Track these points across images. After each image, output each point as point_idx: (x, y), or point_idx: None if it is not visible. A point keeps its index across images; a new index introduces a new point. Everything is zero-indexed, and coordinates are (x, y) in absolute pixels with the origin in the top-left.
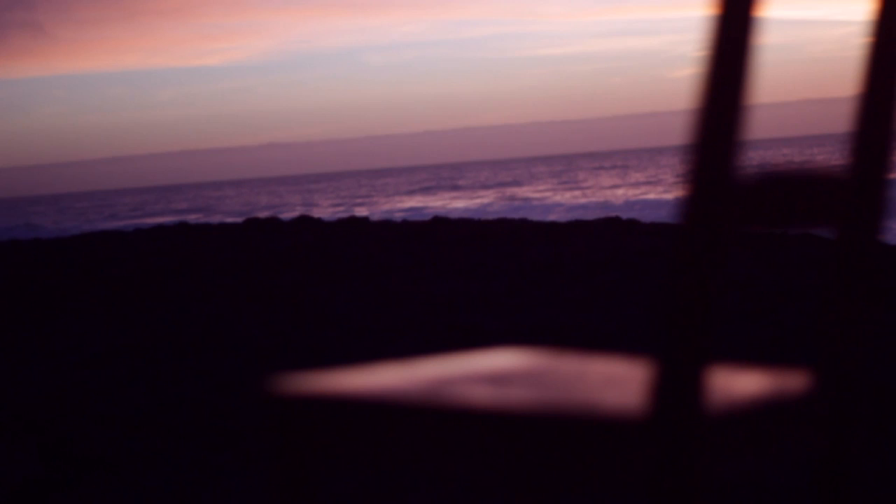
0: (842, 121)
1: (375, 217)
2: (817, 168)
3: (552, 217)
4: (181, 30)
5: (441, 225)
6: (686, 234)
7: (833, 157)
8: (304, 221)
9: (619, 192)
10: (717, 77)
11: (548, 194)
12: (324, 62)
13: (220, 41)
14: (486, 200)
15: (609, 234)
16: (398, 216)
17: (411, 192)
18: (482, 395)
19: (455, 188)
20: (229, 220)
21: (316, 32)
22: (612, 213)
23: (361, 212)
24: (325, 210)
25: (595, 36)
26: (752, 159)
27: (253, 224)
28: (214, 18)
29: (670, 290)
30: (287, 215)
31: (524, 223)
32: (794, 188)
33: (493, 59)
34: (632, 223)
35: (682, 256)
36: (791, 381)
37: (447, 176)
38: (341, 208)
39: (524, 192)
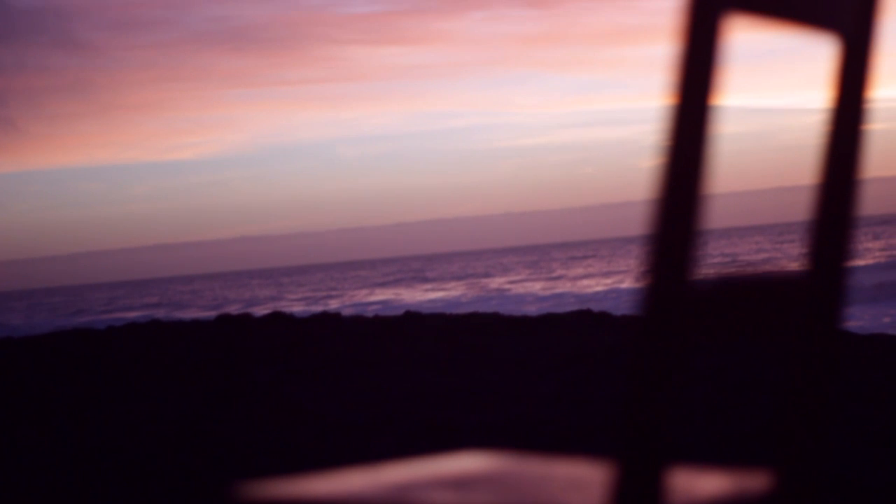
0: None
1: (347, 311)
2: (774, 268)
3: (524, 308)
4: (154, 124)
5: (412, 320)
6: (644, 332)
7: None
8: (276, 317)
9: (593, 282)
10: (674, 168)
11: (520, 285)
12: (296, 155)
13: (193, 135)
14: (458, 292)
15: (580, 328)
16: (370, 310)
17: (384, 285)
18: (446, 501)
19: (427, 280)
20: (201, 316)
21: (289, 126)
22: (585, 305)
23: (334, 305)
24: (298, 304)
25: (567, 126)
26: (719, 253)
27: (225, 320)
28: (187, 112)
29: (628, 390)
30: (259, 310)
31: (495, 317)
32: (750, 293)
33: (466, 151)
34: (603, 315)
35: (640, 355)
36: (752, 482)
37: (419, 268)
38: (314, 302)
39: (496, 283)
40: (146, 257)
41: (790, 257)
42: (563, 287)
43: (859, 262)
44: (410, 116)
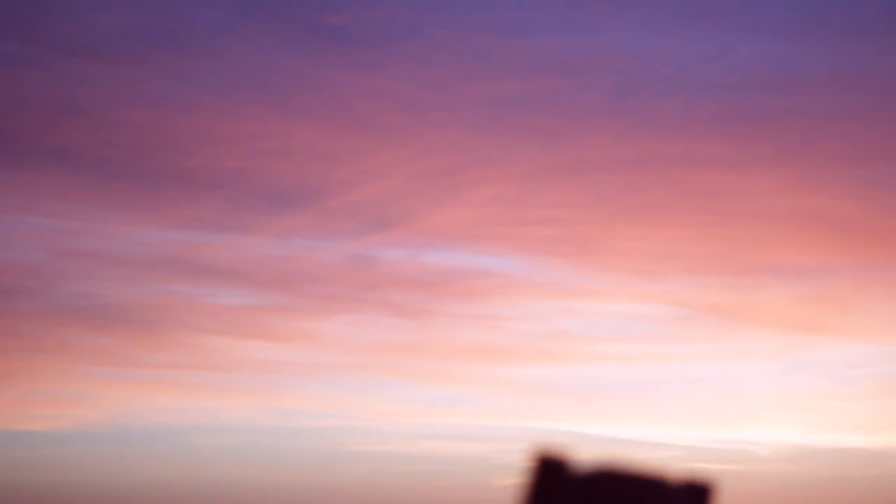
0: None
1: None
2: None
3: None
4: (10, 392)
5: None
6: None
7: None
8: None
9: None
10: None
11: None
12: (151, 438)
13: (48, 408)
14: None
15: None
16: None
17: None
18: None
19: None
20: None
21: (145, 408)
22: None
23: None
24: None
25: (424, 437)
26: None
27: None
28: (44, 384)
29: None
30: None
31: None
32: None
33: (319, 451)
34: None
35: None
36: None
37: None
38: None
39: None
40: None
41: None
42: None
43: None
44: (267, 411)
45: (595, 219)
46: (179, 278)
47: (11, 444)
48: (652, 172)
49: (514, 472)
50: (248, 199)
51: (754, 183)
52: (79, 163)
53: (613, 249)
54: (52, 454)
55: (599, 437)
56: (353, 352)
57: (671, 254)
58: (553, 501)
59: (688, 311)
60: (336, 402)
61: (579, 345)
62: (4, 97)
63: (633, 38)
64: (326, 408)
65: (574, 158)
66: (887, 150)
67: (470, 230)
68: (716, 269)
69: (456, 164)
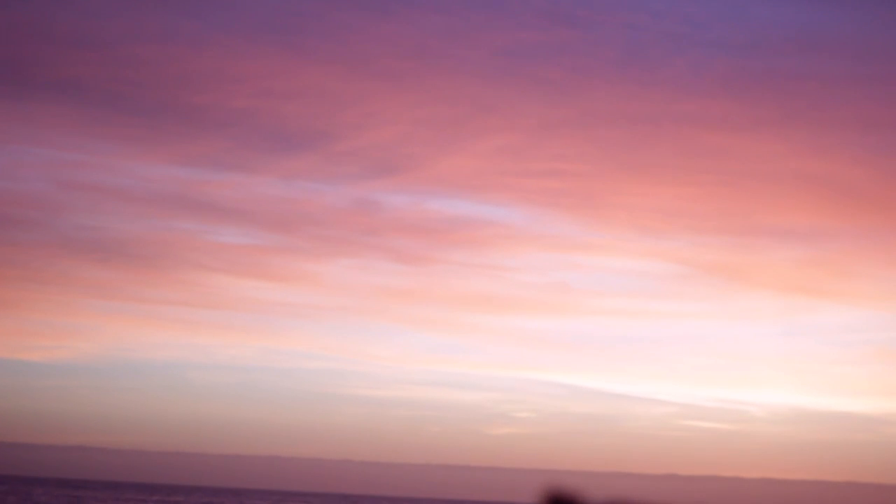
0: (646, 496)
1: None
2: None
3: None
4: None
5: None
6: None
7: None
8: None
9: None
10: None
11: None
12: (147, 373)
13: (46, 338)
14: None
15: None
16: None
17: None
18: None
19: None
20: None
21: (143, 343)
22: None
23: None
24: None
25: (418, 383)
26: None
27: None
28: (43, 315)
29: None
30: None
31: None
32: None
33: (315, 393)
34: None
35: None
36: None
37: (235, 502)
38: None
39: None
40: None
41: None
42: None
43: None
44: (264, 351)
45: (600, 174)
46: (182, 215)
47: (8, 373)
48: (659, 130)
49: (508, 421)
50: (254, 139)
51: (760, 145)
52: (86, 96)
53: (617, 205)
54: (48, 384)
55: (596, 390)
56: (352, 296)
57: (674, 212)
58: None
59: (689, 269)
60: (333, 346)
61: (579, 298)
62: (13, 29)
63: None
64: (324, 350)
65: (582, 112)
66: (894, 117)
67: (474, 179)
68: (718, 229)
69: (463, 113)
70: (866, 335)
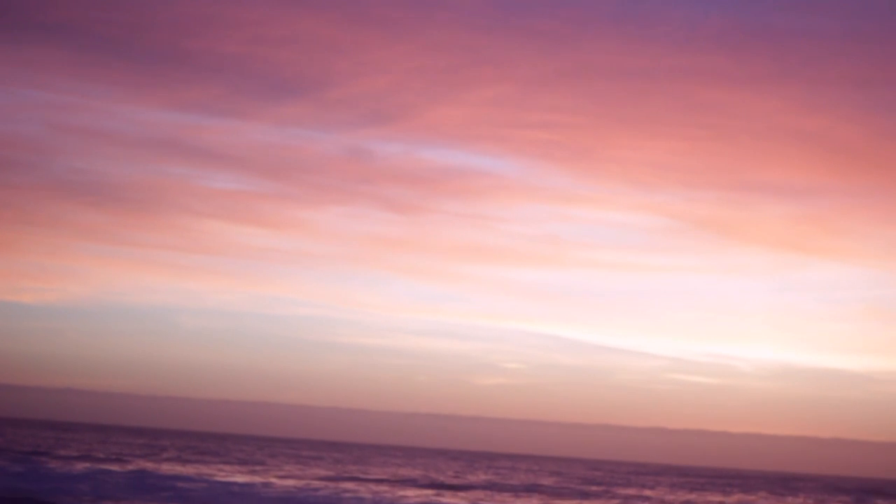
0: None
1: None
2: None
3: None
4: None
5: None
6: None
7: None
8: None
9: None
10: None
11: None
12: (136, 317)
13: (37, 280)
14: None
15: None
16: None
17: (187, 460)
18: None
19: (229, 461)
20: None
21: (134, 286)
22: None
23: (112, 467)
24: (83, 462)
25: (407, 332)
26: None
27: None
28: (34, 257)
29: None
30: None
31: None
32: None
33: (304, 340)
34: None
35: None
36: None
37: (220, 447)
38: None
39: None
40: None
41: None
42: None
43: None
44: (255, 297)
45: (594, 126)
46: (174, 160)
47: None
48: (653, 84)
49: (496, 372)
50: (248, 85)
51: (755, 101)
52: (80, 39)
53: (610, 158)
54: (38, 326)
55: (585, 343)
56: (343, 243)
57: (667, 166)
58: None
59: (680, 223)
60: (323, 293)
61: (570, 250)
62: None
63: None
64: (314, 298)
65: (576, 65)
66: (889, 75)
67: (468, 129)
68: (711, 184)
69: (457, 63)
70: (856, 293)
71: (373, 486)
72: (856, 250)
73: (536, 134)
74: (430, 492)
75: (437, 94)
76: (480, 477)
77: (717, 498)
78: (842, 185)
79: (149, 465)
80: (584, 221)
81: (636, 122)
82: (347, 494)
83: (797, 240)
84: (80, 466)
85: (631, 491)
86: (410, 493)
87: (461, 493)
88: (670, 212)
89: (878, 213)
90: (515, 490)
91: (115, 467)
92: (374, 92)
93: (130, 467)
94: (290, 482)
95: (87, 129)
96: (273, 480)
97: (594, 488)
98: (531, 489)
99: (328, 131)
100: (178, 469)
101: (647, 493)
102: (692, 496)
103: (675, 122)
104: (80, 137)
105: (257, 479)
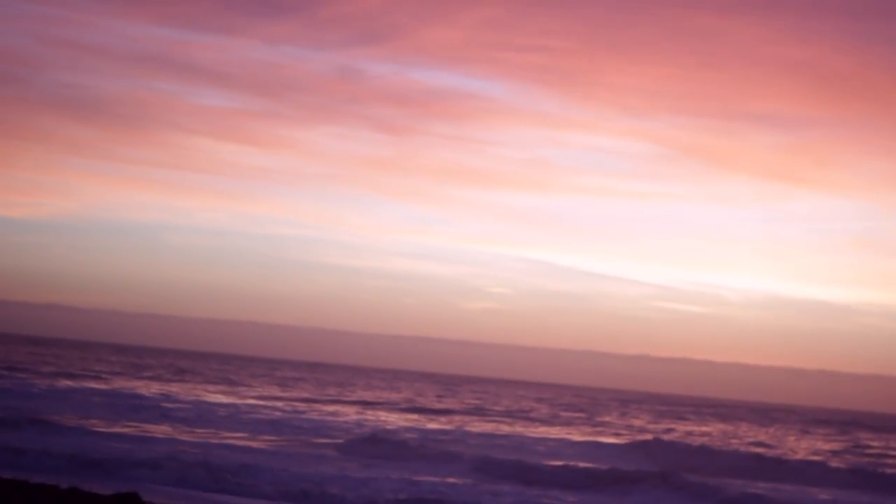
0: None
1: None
2: None
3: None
4: None
5: None
6: None
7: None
8: None
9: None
10: None
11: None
12: (123, 233)
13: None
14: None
15: None
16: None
17: (170, 380)
18: None
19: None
20: None
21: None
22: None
23: (94, 384)
24: (66, 379)
25: (394, 254)
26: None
27: None
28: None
29: None
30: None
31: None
32: None
33: (290, 260)
34: None
35: None
36: None
37: (204, 366)
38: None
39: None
40: None
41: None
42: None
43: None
44: (242, 216)
45: (585, 51)
46: (164, 76)
47: None
48: (645, 9)
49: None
50: (239, 2)
51: (746, 28)
52: None
53: (600, 83)
54: (24, 241)
55: (572, 268)
56: (332, 164)
57: (657, 92)
58: None
59: (669, 150)
60: (311, 213)
61: (559, 175)
62: None
63: None
64: (301, 217)
65: None
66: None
67: (458, 51)
68: (700, 111)
69: None
70: (844, 224)
71: (357, 409)
72: (844, 182)
73: (527, 57)
74: (413, 416)
75: (428, 14)
76: (464, 402)
77: (700, 427)
78: (832, 116)
79: (134, 385)
80: (572, 146)
81: (627, 48)
82: (333, 419)
83: (785, 170)
84: (63, 384)
85: (612, 417)
86: (393, 416)
87: (443, 419)
88: (659, 138)
89: (868, 144)
90: (499, 416)
91: (100, 385)
92: (366, 11)
93: (115, 385)
94: (277, 403)
95: (75, 42)
96: (258, 402)
97: (577, 415)
98: (514, 415)
99: (319, 50)
100: (164, 388)
101: (632, 421)
102: (674, 424)
103: (666, 48)
104: (68, 51)
105: (241, 400)
